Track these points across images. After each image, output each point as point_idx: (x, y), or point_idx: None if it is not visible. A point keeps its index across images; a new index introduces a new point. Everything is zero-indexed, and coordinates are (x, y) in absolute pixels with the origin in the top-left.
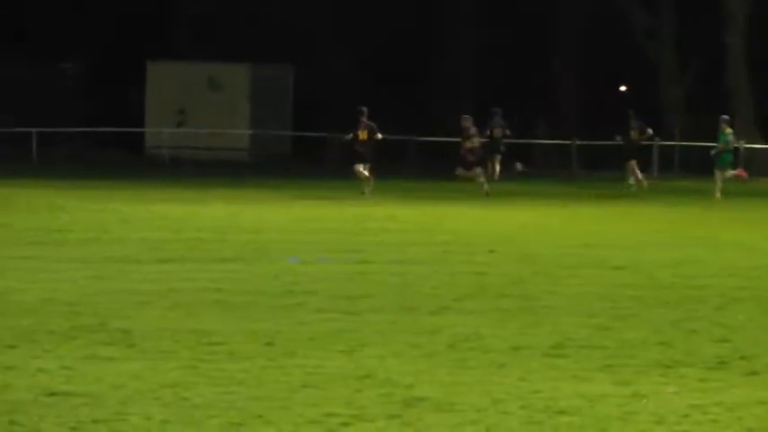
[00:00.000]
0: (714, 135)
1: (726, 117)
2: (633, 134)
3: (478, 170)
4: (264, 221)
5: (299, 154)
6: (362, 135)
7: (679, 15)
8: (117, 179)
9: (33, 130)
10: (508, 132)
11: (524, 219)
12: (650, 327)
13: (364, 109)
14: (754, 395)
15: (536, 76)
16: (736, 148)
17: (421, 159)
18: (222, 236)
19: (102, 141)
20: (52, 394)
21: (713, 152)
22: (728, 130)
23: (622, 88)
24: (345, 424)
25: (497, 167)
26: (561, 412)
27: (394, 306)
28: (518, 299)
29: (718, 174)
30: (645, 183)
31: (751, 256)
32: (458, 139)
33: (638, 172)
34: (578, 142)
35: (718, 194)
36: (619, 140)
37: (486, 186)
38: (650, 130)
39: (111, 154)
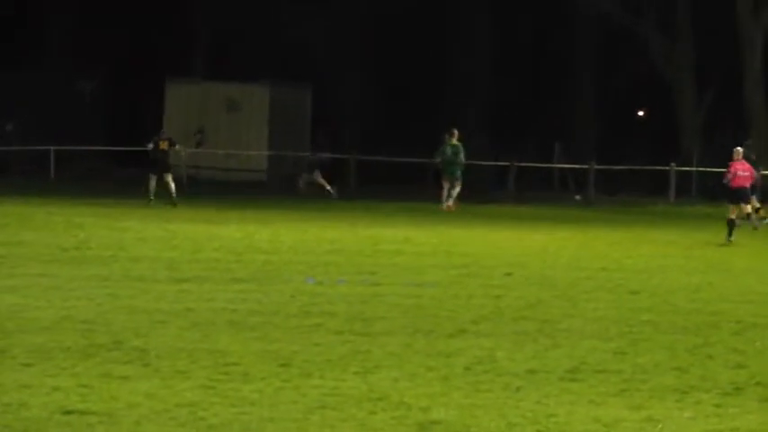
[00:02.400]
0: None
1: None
2: None
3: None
4: (280, 242)
5: None
6: (162, 145)
7: (696, 39)
8: (135, 198)
9: (51, 147)
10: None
11: (542, 242)
12: (666, 352)
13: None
14: None
15: (553, 100)
16: None
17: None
18: (238, 256)
19: (120, 160)
20: (68, 413)
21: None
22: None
23: (640, 113)
24: None
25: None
26: None
27: (409, 328)
28: (534, 322)
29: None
30: None
31: (767, 282)
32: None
33: None
34: (596, 167)
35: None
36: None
37: None
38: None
39: (129, 172)
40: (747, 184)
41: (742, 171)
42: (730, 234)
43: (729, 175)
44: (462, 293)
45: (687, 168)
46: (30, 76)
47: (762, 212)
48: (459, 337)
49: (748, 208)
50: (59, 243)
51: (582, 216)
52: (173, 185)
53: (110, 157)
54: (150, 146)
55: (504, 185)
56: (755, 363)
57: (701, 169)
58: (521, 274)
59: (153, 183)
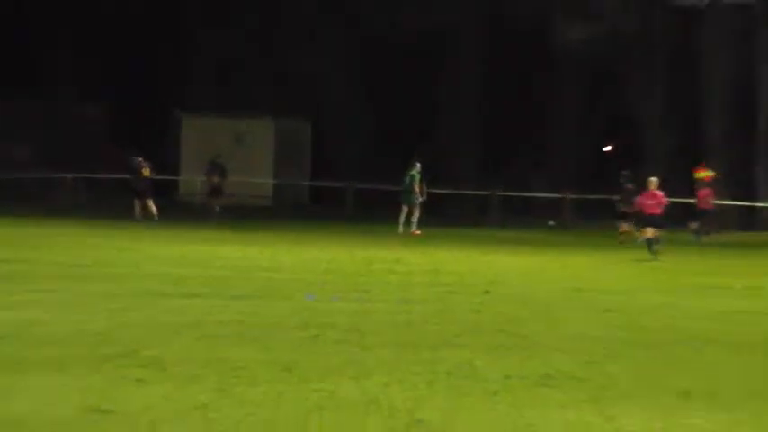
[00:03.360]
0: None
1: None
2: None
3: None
4: (282, 262)
5: (316, 201)
6: (145, 172)
7: (667, 78)
8: (147, 221)
9: (68, 175)
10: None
11: (522, 264)
12: (631, 362)
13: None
14: (718, 418)
15: (534, 133)
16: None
17: (429, 207)
18: (245, 274)
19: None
20: (90, 412)
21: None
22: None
23: (607, 148)
24: None
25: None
26: None
27: (398, 340)
28: (511, 336)
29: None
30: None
31: (725, 301)
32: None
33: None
34: (571, 196)
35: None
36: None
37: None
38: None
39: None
40: (658, 211)
41: (650, 200)
42: (651, 250)
43: (639, 204)
44: (446, 309)
45: None
46: (40, 105)
47: (623, 236)
48: (443, 347)
49: (650, 232)
50: (74, 261)
51: (559, 240)
52: (154, 208)
53: (118, 182)
54: (141, 172)
55: (488, 211)
56: (708, 374)
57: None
58: (500, 293)
59: (151, 204)
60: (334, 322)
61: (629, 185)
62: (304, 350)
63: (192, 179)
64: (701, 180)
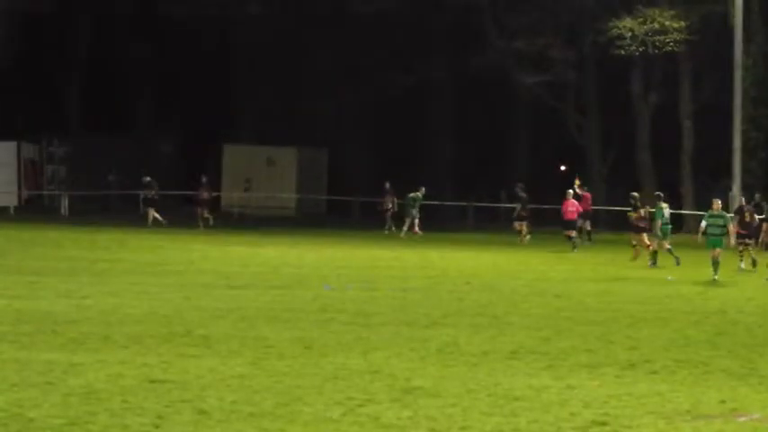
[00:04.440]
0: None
1: (660, 194)
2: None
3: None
4: (305, 260)
5: (331, 212)
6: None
7: (602, 115)
8: (196, 227)
9: (140, 192)
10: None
11: (492, 261)
12: (580, 338)
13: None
14: (654, 388)
15: (498, 159)
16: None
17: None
18: (275, 269)
19: (189, 202)
20: (152, 381)
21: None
22: (664, 205)
23: (562, 167)
24: (361, 405)
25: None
26: (516, 398)
27: (397, 321)
28: (486, 317)
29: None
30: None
31: (653, 288)
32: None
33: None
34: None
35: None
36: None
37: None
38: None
39: (193, 210)
40: (574, 217)
41: (570, 207)
42: (574, 247)
43: (563, 210)
44: (435, 296)
45: (597, 207)
46: (126, 139)
47: (525, 234)
48: (433, 327)
49: (573, 233)
50: (147, 260)
51: (519, 241)
52: (159, 216)
53: (181, 198)
54: (149, 191)
55: (464, 219)
56: (644, 346)
57: (606, 208)
58: (476, 283)
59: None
60: (346, 307)
61: (523, 195)
62: (321, 330)
63: (231, 195)
64: (575, 193)
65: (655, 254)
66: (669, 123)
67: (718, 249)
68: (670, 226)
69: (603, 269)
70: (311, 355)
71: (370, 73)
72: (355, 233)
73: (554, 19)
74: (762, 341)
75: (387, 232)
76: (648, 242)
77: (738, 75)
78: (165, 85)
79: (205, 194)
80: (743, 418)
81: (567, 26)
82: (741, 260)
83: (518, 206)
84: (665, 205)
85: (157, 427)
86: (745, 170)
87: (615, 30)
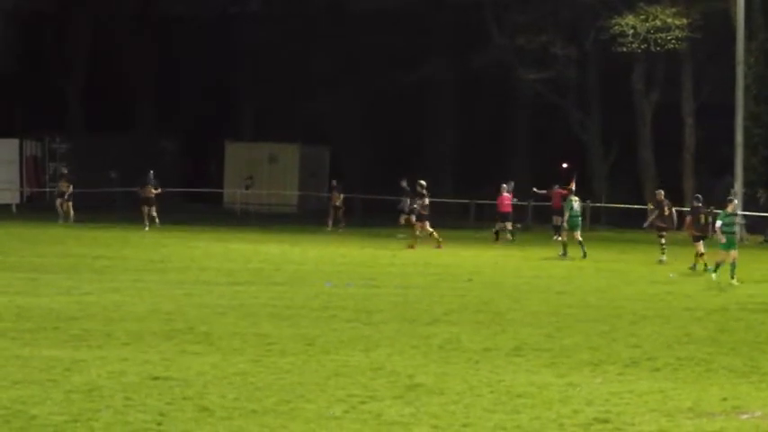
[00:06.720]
0: (628, 198)
1: (572, 188)
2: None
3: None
4: (306, 257)
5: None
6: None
7: (604, 112)
8: (202, 225)
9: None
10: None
11: (494, 258)
12: (582, 336)
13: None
14: (656, 385)
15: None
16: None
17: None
18: (277, 266)
19: (191, 198)
20: (154, 378)
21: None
22: (574, 198)
23: (564, 165)
24: (363, 402)
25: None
26: (518, 395)
27: (399, 318)
28: (488, 314)
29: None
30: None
31: (655, 285)
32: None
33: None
34: (532, 203)
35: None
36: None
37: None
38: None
39: (198, 208)
40: (509, 210)
41: (508, 201)
42: (497, 238)
43: (498, 203)
44: (436, 293)
45: (597, 204)
46: (128, 137)
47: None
48: (434, 324)
49: (509, 225)
50: (149, 257)
51: (522, 238)
52: (154, 214)
53: (185, 196)
54: (148, 187)
55: (466, 217)
56: (647, 343)
57: (607, 205)
58: (478, 280)
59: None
60: (348, 304)
61: (424, 192)
62: (323, 327)
63: (233, 192)
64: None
65: (564, 246)
66: (671, 120)
67: (733, 252)
68: (580, 218)
69: (605, 267)
70: (313, 352)
71: (372, 70)
72: (356, 230)
73: (555, 16)
74: (764, 339)
75: (403, 236)
76: (702, 250)
77: (740, 71)
78: (167, 83)
79: (150, 192)
80: (745, 416)
81: (568, 23)
82: (663, 253)
83: (406, 200)
84: (575, 198)
85: (159, 424)
86: (746, 167)
87: (617, 27)
